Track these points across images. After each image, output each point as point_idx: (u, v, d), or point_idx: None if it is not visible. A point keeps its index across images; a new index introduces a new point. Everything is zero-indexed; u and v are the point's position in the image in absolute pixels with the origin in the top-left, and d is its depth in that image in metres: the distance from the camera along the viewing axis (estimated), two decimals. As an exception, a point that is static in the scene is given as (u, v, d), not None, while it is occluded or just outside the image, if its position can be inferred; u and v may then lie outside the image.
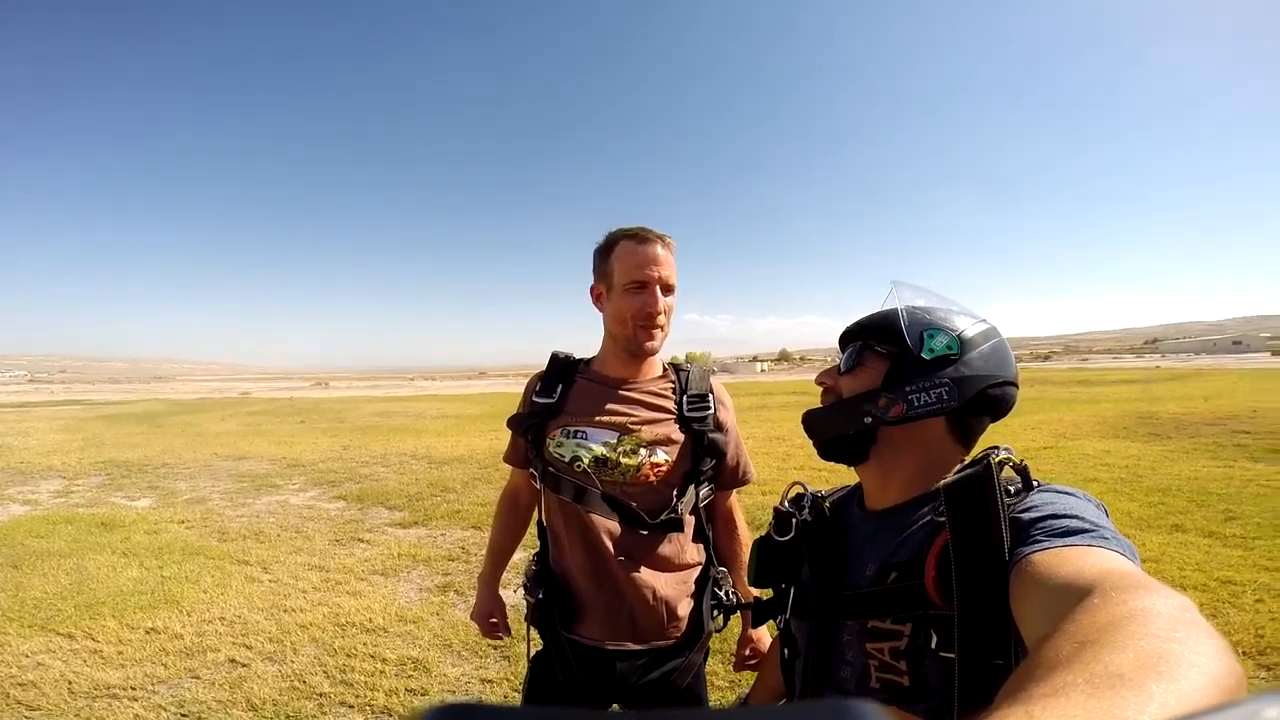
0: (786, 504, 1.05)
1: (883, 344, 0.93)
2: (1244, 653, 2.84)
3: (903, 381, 0.90)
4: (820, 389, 1.01)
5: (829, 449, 0.98)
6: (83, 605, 3.73)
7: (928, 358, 0.91)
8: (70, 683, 2.81)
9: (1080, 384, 22.31)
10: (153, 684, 2.83)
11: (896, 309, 0.95)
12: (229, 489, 7.48)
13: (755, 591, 1.34)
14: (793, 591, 0.99)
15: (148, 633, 3.36)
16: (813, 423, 0.99)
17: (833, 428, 0.96)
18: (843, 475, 0.99)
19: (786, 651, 1.01)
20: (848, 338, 0.99)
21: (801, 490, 1.06)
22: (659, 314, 1.43)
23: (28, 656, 3.05)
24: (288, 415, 18.96)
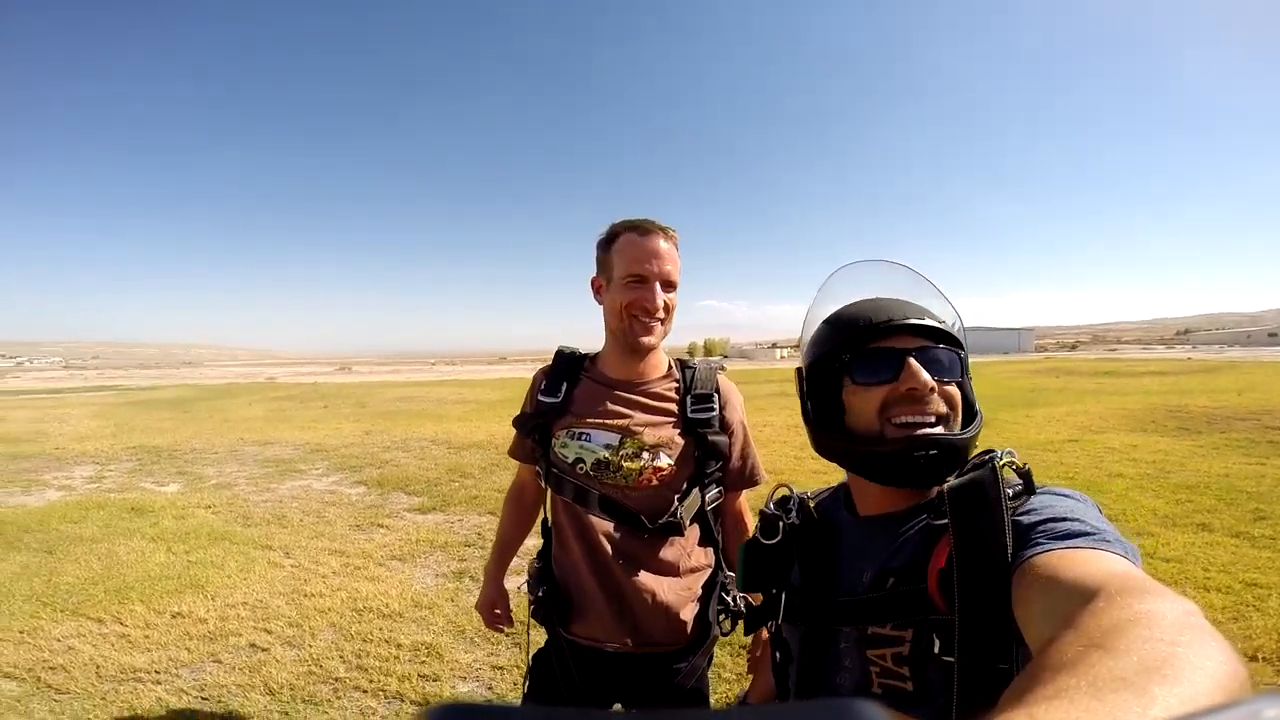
0: (772, 506, 1.03)
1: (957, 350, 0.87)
2: (1264, 658, 2.77)
3: (971, 393, 0.88)
4: (921, 398, 0.83)
5: (942, 474, 0.84)
6: (112, 590, 3.85)
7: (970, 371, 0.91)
8: (98, 666, 2.91)
9: (1107, 375, 21.74)
10: (176, 667, 2.92)
11: (943, 304, 0.91)
12: (254, 474, 7.65)
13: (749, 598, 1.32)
14: (784, 597, 0.97)
15: (173, 617, 3.47)
16: (957, 453, 0.82)
17: (962, 458, 0.83)
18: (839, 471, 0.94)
19: (779, 655, 1.00)
20: (911, 332, 0.86)
21: (787, 493, 1.04)
22: (657, 310, 1.40)
23: (59, 641, 3.16)
24: (311, 400, 19.30)
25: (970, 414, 0.86)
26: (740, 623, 1.53)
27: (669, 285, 1.42)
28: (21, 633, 3.24)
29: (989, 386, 18.27)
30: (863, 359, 0.87)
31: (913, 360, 0.82)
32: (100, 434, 11.52)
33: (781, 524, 0.98)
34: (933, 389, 0.82)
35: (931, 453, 0.80)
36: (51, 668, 2.89)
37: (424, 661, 2.98)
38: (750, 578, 1.01)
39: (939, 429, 0.82)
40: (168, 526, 5.32)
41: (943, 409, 0.82)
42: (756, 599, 1.06)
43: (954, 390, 0.84)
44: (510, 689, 2.75)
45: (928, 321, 0.85)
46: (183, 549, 4.69)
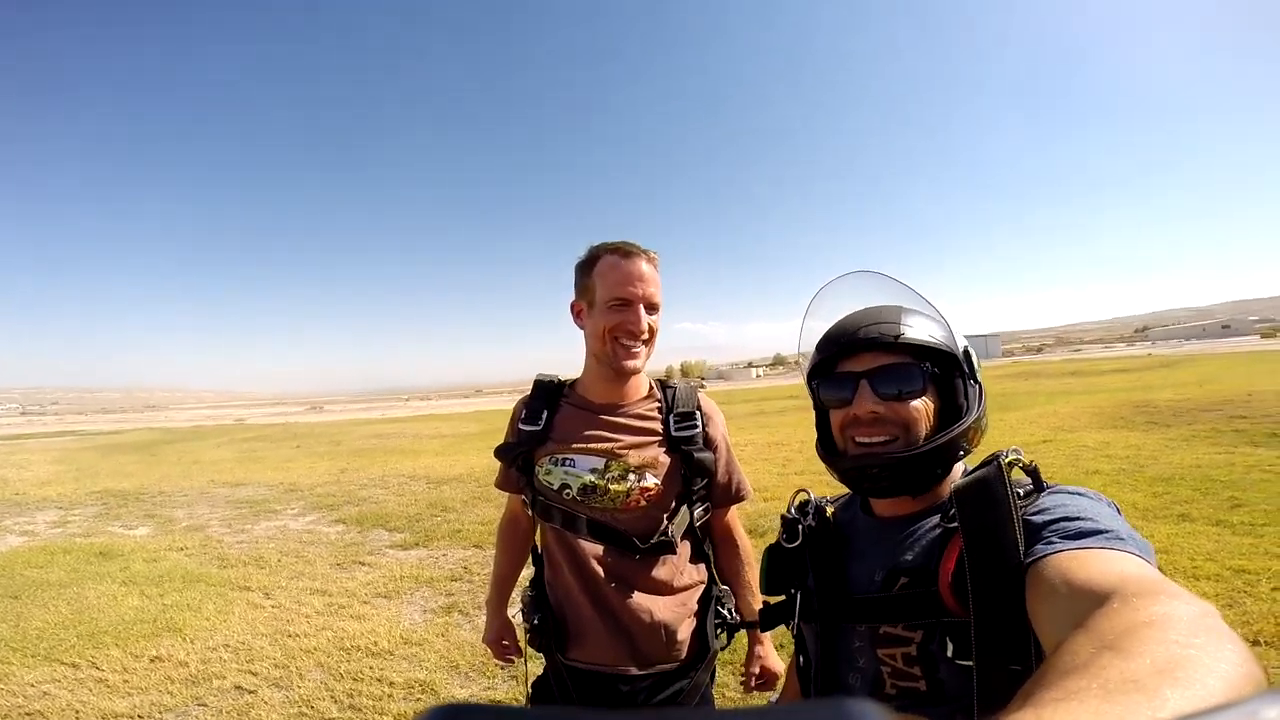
0: (793, 510, 1.06)
1: (935, 363, 0.88)
2: (1265, 642, 2.81)
3: (969, 406, 0.88)
4: (861, 418, 0.87)
5: (902, 486, 0.88)
6: (85, 634, 3.71)
7: (978, 382, 0.92)
8: (78, 712, 2.80)
9: (1074, 375, 22.28)
10: (160, 712, 2.82)
11: (931, 317, 0.92)
12: (227, 515, 7.43)
13: (768, 599, 1.35)
14: (799, 596, 0.98)
15: (152, 661, 3.35)
16: (905, 468, 0.85)
17: (925, 469, 0.86)
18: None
19: (802, 659, 1.01)
20: (869, 345, 0.89)
21: (807, 497, 1.07)
22: (642, 333, 1.40)
23: (33, 686, 3.04)
24: (283, 440, 18.85)
25: (951, 418, 0.88)
26: (738, 635, 1.53)
27: (652, 308, 1.42)
28: (-9, 680, 3.10)
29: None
30: (827, 383, 0.93)
31: (864, 384, 0.87)
32: (62, 479, 11.10)
33: (801, 527, 1.01)
34: (875, 413, 0.86)
35: (879, 470, 0.86)
36: (28, 714, 2.77)
37: (419, 699, 2.93)
38: (772, 581, 1.04)
39: (894, 445, 0.86)
40: (139, 570, 5.15)
41: (894, 429, 0.86)
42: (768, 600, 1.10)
43: (916, 405, 0.86)
44: (501, 704, 2.71)
45: (883, 338, 0.87)
46: (156, 592, 4.54)
